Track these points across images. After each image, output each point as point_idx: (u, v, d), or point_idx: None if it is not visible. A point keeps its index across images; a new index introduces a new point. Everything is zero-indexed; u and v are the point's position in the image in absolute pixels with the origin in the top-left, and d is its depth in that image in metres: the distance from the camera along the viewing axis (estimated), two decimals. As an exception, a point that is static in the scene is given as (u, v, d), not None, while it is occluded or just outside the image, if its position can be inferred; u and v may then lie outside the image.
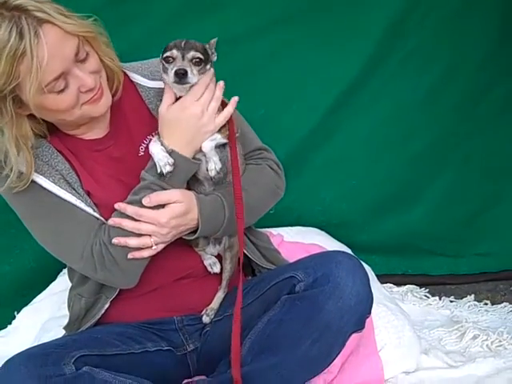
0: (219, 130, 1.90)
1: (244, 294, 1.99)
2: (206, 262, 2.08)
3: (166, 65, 1.82)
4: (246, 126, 2.16)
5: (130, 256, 1.87)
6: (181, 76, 1.79)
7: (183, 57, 1.80)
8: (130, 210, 1.86)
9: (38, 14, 1.74)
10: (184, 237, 1.96)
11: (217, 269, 2.07)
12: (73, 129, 2.00)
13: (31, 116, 1.88)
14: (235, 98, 1.93)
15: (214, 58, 1.90)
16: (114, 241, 1.86)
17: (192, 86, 1.84)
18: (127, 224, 1.86)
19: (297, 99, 3.04)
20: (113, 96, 1.98)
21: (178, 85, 1.82)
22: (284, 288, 1.92)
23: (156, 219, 1.84)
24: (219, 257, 2.09)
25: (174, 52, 1.81)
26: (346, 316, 1.83)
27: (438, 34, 3.00)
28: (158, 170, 1.84)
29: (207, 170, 1.92)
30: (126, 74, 2.07)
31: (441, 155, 3.18)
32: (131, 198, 1.89)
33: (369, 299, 1.88)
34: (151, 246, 1.87)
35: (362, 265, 1.92)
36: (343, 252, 1.98)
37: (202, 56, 1.82)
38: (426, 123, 3.14)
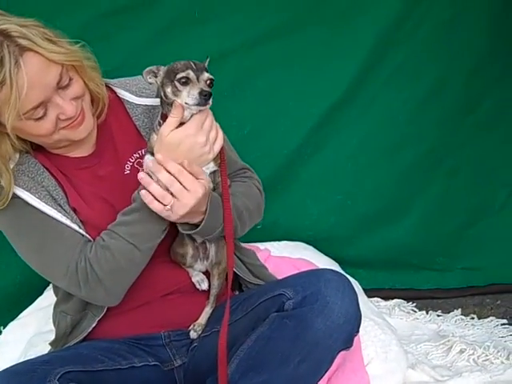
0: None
1: (232, 310, 1.98)
2: (193, 279, 2.08)
3: (181, 87, 1.76)
4: (229, 146, 2.16)
5: (142, 192, 1.81)
6: (208, 98, 1.75)
7: (198, 78, 1.76)
8: (173, 165, 1.80)
9: (21, 41, 1.73)
10: (182, 230, 1.93)
11: (205, 286, 2.07)
12: (55, 149, 1.99)
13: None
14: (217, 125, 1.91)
15: None
16: (141, 174, 1.82)
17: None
18: (162, 174, 1.80)
19: (284, 114, 3.04)
20: (97, 117, 1.98)
21: (198, 107, 1.77)
22: (273, 305, 1.91)
23: (195, 186, 1.80)
24: (207, 273, 2.08)
25: (191, 73, 1.76)
26: (335, 334, 1.82)
27: (426, 46, 3.02)
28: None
29: None
30: (113, 90, 2.06)
31: (428, 169, 3.20)
32: (121, 219, 1.88)
33: (357, 318, 1.88)
34: (165, 206, 1.81)
35: (350, 283, 1.91)
36: (332, 270, 1.97)
37: (213, 77, 1.79)
38: (413, 136, 3.15)
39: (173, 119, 1.81)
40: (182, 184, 1.80)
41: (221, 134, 1.90)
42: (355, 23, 2.95)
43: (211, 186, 1.93)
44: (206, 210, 1.88)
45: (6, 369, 1.82)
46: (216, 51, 2.79)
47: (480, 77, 3.07)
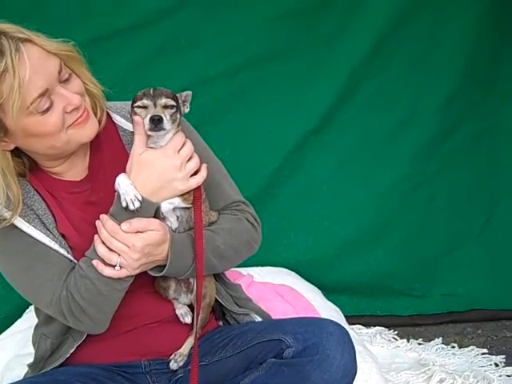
0: (182, 194, 1.86)
1: (222, 344, 1.97)
2: (177, 312, 2.05)
3: (139, 113, 1.80)
4: (227, 180, 2.14)
5: (94, 262, 1.80)
6: (156, 122, 1.76)
7: (155, 104, 1.79)
8: (109, 224, 1.79)
9: (18, 35, 1.74)
10: (151, 272, 1.91)
11: (188, 319, 2.04)
12: (55, 165, 1.95)
13: (13, 153, 1.85)
14: (205, 165, 1.90)
15: (187, 110, 1.89)
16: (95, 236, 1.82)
17: (166, 134, 1.82)
18: (102, 233, 1.80)
19: (263, 138, 3.11)
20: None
21: (153, 132, 1.79)
22: (270, 350, 1.88)
23: (131, 242, 1.78)
24: (192, 306, 2.07)
25: (145, 101, 1.79)
26: None
27: (403, 73, 3.11)
28: (124, 204, 1.78)
29: None
30: (108, 114, 2.04)
31: (404, 194, 3.26)
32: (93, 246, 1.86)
33: (354, 372, 1.87)
34: (115, 266, 1.80)
35: (350, 337, 1.90)
36: (334, 322, 1.95)
37: (173, 102, 1.81)
38: (388, 163, 3.22)
39: (137, 136, 1.81)
40: (119, 241, 1.79)
41: (203, 172, 1.88)
42: (332, 52, 3.05)
43: (175, 226, 1.91)
44: (168, 254, 1.86)
45: (-20, 397, 1.79)
46: (200, 77, 2.90)
47: (455, 106, 3.15)
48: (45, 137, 1.82)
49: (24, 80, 1.71)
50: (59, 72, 1.80)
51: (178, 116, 1.84)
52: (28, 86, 1.72)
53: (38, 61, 1.75)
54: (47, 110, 1.78)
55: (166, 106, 1.80)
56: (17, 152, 1.89)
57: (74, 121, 1.84)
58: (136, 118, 1.80)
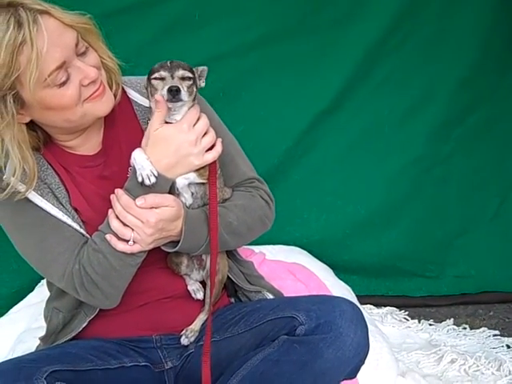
0: (197, 170, 1.85)
1: (234, 321, 1.98)
2: (189, 288, 2.05)
3: (156, 85, 1.80)
4: (241, 156, 2.13)
5: (107, 237, 1.81)
6: (174, 93, 1.76)
7: (172, 76, 1.78)
8: (124, 199, 1.79)
9: (35, 6, 1.73)
10: (164, 248, 1.91)
11: (200, 295, 2.04)
12: (70, 139, 1.95)
13: (28, 127, 1.85)
14: (220, 139, 1.88)
15: (202, 85, 1.88)
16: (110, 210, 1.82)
17: (182, 106, 1.81)
18: (116, 207, 1.80)
19: (276, 117, 3.10)
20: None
21: (170, 103, 1.78)
22: (283, 327, 1.88)
23: (145, 217, 1.78)
24: (203, 283, 2.06)
25: (162, 73, 1.79)
26: (343, 366, 1.81)
27: (416, 56, 3.10)
28: (139, 180, 1.78)
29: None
30: (123, 89, 2.02)
31: (416, 177, 3.25)
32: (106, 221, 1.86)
33: (366, 351, 1.87)
34: (128, 241, 1.81)
35: (363, 315, 1.89)
36: (347, 300, 1.95)
37: (190, 74, 1.81)
38: (400, 145, 3.21)
39: (157, 113, 1.79)
40: (133, 215, 1.79)
41: (218, 147, 1.86)
42: (346, 33, 3.04)
43: (189, 203, 1.91)
44: (182, 230, 1.86)
45: (-8, 367, 1.80)
46: (213, 53, 2.89)
47: (468, 89, 3.13)
48: (61, 110, 1.82)
49: (42, 52, 1.70)
50: (76, 45, 1.80)
51: (195, 89, 1.84)
52: (46, 58, 1.71)
53: (55, 33, 1.74)
54: (64, 82, 1.78)
55: (183, 78, 1.80)
56: (31, 125, 1.88)
57: (90, 94, 1.84)
58: (157, 96, 1.78)
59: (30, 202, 1.87)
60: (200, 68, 1.87)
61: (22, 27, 1.69)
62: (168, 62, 1.81)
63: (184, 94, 1.78)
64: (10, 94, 1.74)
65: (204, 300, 2.04)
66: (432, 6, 3.02)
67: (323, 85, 3.06)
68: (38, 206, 1.88)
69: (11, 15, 1.70)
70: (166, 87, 1.77)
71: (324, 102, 3.11)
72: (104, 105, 1.88)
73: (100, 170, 1.98)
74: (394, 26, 3.02)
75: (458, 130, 3.18)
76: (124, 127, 2.01)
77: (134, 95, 2.04)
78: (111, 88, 1.94)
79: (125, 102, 2.03)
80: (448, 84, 3.12)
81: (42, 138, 1.93)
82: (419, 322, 3.05)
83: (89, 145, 1.99)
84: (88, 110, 1.86)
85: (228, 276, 2.07)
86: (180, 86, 1.77)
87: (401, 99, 3.14)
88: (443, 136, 3.19)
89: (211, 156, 1.85)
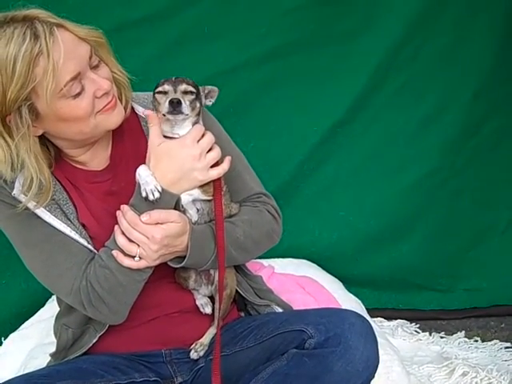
0: (201, 186, 1.86)
1: (244, 335, 1.98)
2: (197, 302, 2.06)
3: (159, 99, 1.83)
4: (248, 171, 2.14)
5: (114, 253, 1.81)
6: (175, 105, 1.79)
7: (175, 90, 1.81)
8: (130, 215, 1.80)
9: (50, 19, 1.77)
10: (170, 263, 1.92)
11: (208, 310, 2.05)
12: (79, 154, 1.97)
13: (40, 142, 1.86)
14: (228, 158, 1.89)
15: (209, 104, 1.91)
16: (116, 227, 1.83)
17: (184, 121, 1.84)
18: (122, 224, 1.81)
19: (287, 130, 3.07)
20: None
21: (171, 115, 1.81)
22: (292, 341, 1.89)
23: (151, 233, 1.79)
24: (212, 297, 2.07)
25: (166, 86, 1.82)
26: (353, 379, 1.81)
27: (430, 67, 3.05)
28: (143, 195, 1.79)
29: None
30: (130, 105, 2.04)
31: (430, 190, 3.21)
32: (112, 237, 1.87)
33: (376, 364, 1.86)
34: (134, 257, 1.81)
35: (372, 328, 1.90)
36: (356, 313, 1.95)
37: (193, 89, 1.83)
38: (414, 157, 3.17)
39: (151, 128, 1.82)
40: (139, 232, 1.79)
41: (225, 164, 1.87)
42: (359, 45, 3.00)
43: (194, 219, 1.92)
44: (188, 245, 1.86)
45: (4, 382, 1.81)
46: (223, 67, 2.87)
47: (483, 100, 3.09)
48: (75, 121, 1.84)
49: (58, 63, 1.73)
50: (90, 57, 1.83)
51: (198, 105, 1.86)
52: (61, 70, 1.74)
53: (70, 45, 1.78)
54: (78, 94, 1.81)
55: (185, 92, 1.82)
56: (42, 140, 1.90)
57: (103, 106, 1.87)
58: (147, 111, 1.84)
59: (39, 217, 1.89)
60: (209, 87, 1.90)
61: (39, 39, 1.73)
62: (173, 78, 1.84)
63: (185, 107, 1.80)
64: (25, 106, 1.77)
65: (213, 314, 2.05)
66: (445, 17, 2.99)
67: (335, 98, 3.04)
68: (46, 221, 1.89)
69: (27, 28, 1.73)
70: (168, 99, 1.79)
71: (336, 115, 3.08)
72: (116, 117, 1.91)
73: (108, 185, 2.00)
74: (407, 37, 2.99)
75: (472, 142, 3.15)
76: (131, 143, 2.03)
77: (141, 111, 2.06)
78: (121, 102, 1.96)
79: (132, 117, 2.05)
80: (462, 95, 3.08)
81: (52, 154, 1.95)
82: (430, 334, 3.03)
83: (97, 160, 2.01)
84: (100, 122, 1.88)
85: (237, 290, 2.08)
86: (182, 99, 1.79)
87: (414, 111, 3.10)
88: (456, 148, 3.15)
89: (216, 172, 1.85)
